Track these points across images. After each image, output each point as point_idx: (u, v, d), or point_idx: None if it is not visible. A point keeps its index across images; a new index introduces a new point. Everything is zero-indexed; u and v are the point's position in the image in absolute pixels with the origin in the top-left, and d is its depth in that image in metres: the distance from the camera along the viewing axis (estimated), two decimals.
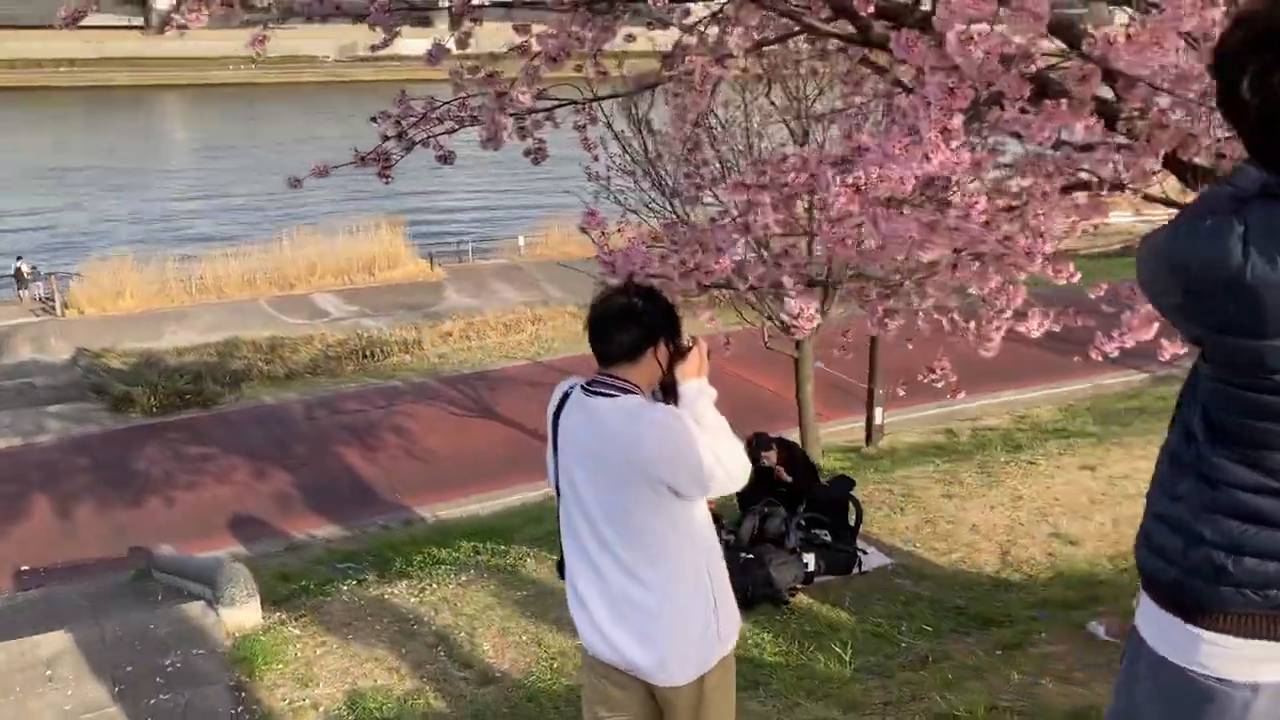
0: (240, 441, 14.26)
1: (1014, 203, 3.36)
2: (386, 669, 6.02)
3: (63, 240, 28.59)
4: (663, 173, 10.15)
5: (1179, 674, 1.73)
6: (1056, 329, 3.53)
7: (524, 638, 6.27)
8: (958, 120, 2.32)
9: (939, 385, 4.37)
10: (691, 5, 4.02)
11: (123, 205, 33.03)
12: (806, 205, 4.92)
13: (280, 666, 6.02)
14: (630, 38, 4.23)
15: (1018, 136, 3.41)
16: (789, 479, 7.21)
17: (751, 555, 6.69)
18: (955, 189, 3.63)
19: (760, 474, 6.91)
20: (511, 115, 3.75)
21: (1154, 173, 3.55)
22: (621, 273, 4.09)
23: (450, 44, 3.75)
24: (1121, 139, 3.11)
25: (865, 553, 7.19)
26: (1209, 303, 1.54)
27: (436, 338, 18.99)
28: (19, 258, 23.10)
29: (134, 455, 13.78)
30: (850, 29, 3.48)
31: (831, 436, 12.92)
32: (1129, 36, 2.62)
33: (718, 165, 9.16)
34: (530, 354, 18.00)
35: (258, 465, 13.42)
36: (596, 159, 8.79)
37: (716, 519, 4.28)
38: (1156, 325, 3.68)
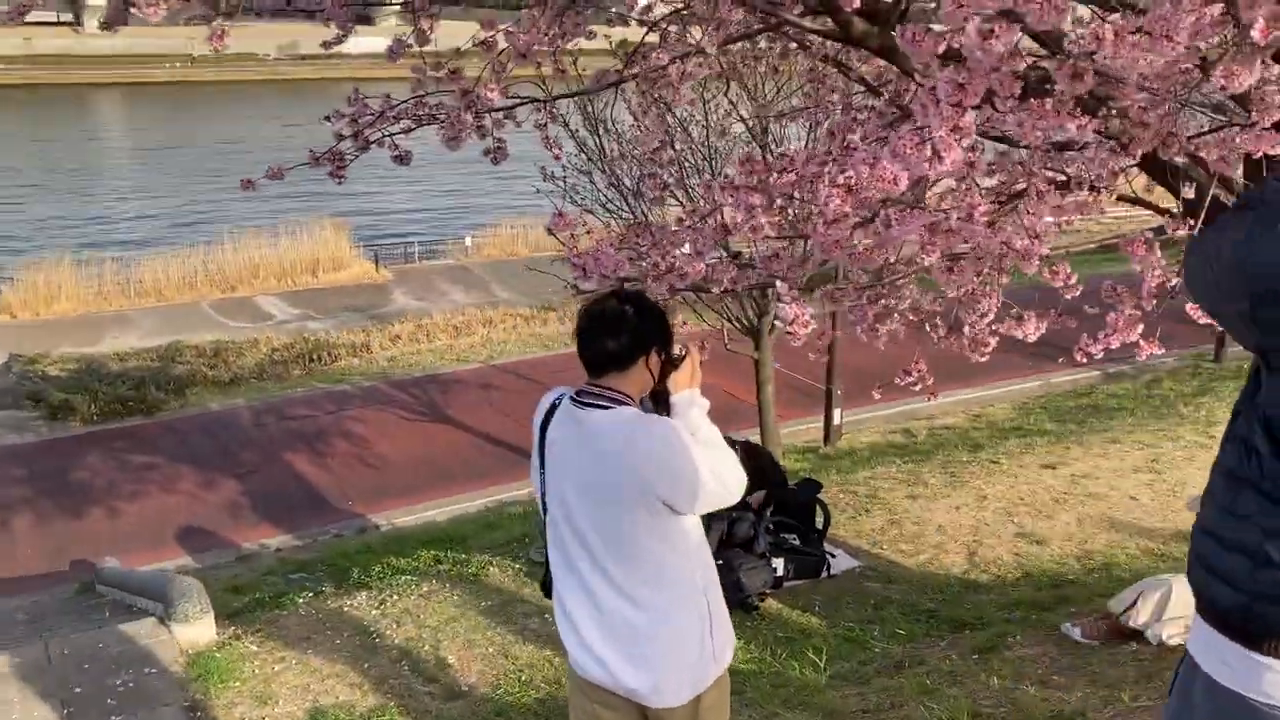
0: (186, 449, 13.90)
1: (1000, 202, 3.30)
2: (349, 685, 5.83)
3: None
4: (620, 173, 10.04)
5: (1239, 702, 1.64)
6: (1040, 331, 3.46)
7: (490, 650, 6.12)
8: (969, 118, 2.23)
9: (915, 388, 4.30)
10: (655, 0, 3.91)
11: (57, 206, 32.21)
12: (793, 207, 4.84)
13: (237, 685, 5.81)
14: (591, 34, 4.11)
15: (1000, 139, 3.36)
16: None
17: (720, 560, 6.58)
18: (932, 191, 3.57)
19: None
20: (474, 113, 3.62)
21: (1120, 172, 3.51)
22: (593, 275, 3.97)
23: (410, 41, 3.61)
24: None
25: (834, 556, 7.12)
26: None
27: (385, 340, 18.69)
28: None
29: (74, 465, 13.37)
30: (830, 25, 3.40)
31: (789, 437, 12.89)
32: (1117, 34, 2.55)
33: (680, 166, 9.05)
34: (482, 357, 17.78)
35: (205, 474, 13.08)
36: (559, 158, 8.70)
37: None
38: (1141, 326, 3.64)
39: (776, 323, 2.96)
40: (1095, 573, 6.72)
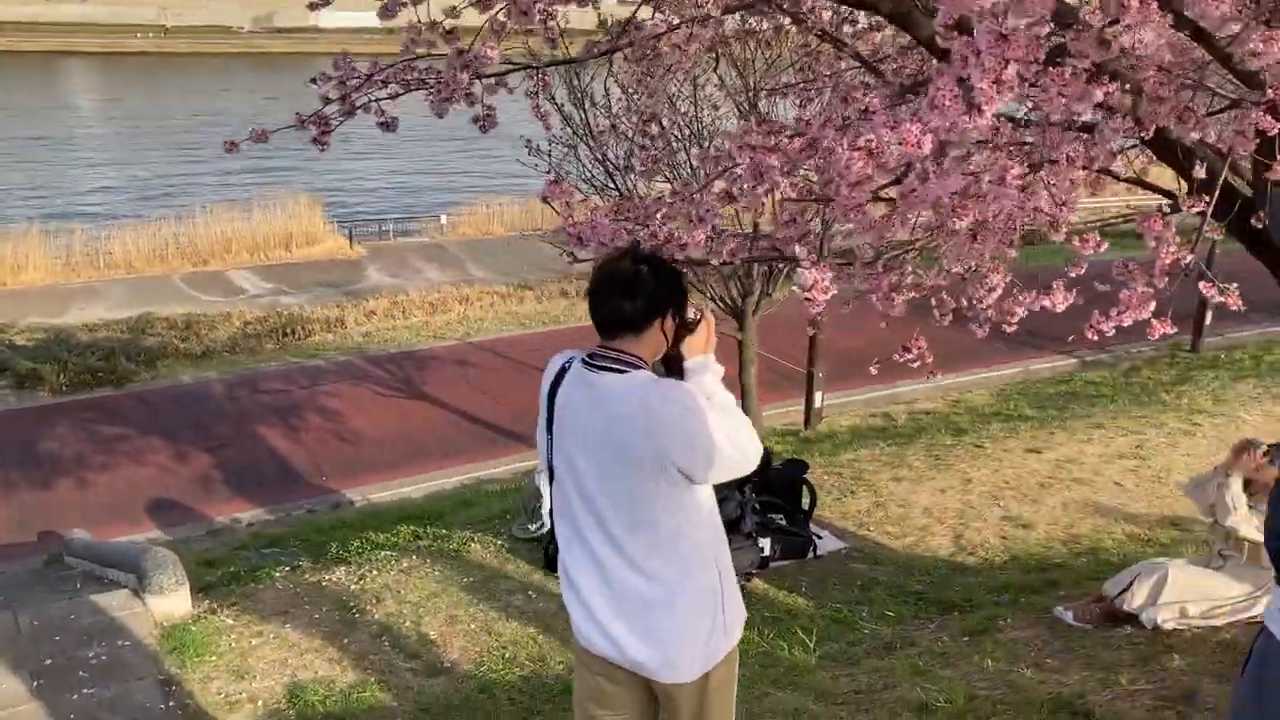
0: (157, 421, 13.64)
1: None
2: (327, 660, 5.72)
3: None
4: (606, 149, 9.89)
5: None
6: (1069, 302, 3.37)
7: (473, 626, 6.01)
8: (1011, 70, 2.13)
9: (915, 365, 4.22)
10: None
11: (24, 175, 31.67)
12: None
13: (213, 658, 5.69)
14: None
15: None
16: None
17: None
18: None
19: None
20: (470, 74, 3.49)
21: (1119, 152, 3.44)
22: (589, 243, 3.86)
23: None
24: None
25: (820, 537, 7.06)
26: None
27: (360, 316, 18.44)
28: None
29: (42, 435, 13.09)
30: None
31: (768, 420, 12.81)
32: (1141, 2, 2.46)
33: (668, 141, 8.92)
34: (459, 334, 17.58)
35: (176, 446, 12.84)
36: (549, 129, 8.56)
37: None
38: (1154, 304, 3.57)
39: (795, 289, 2.85)
40: (1083, 557, 6.69)
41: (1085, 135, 3.12)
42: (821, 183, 3.02)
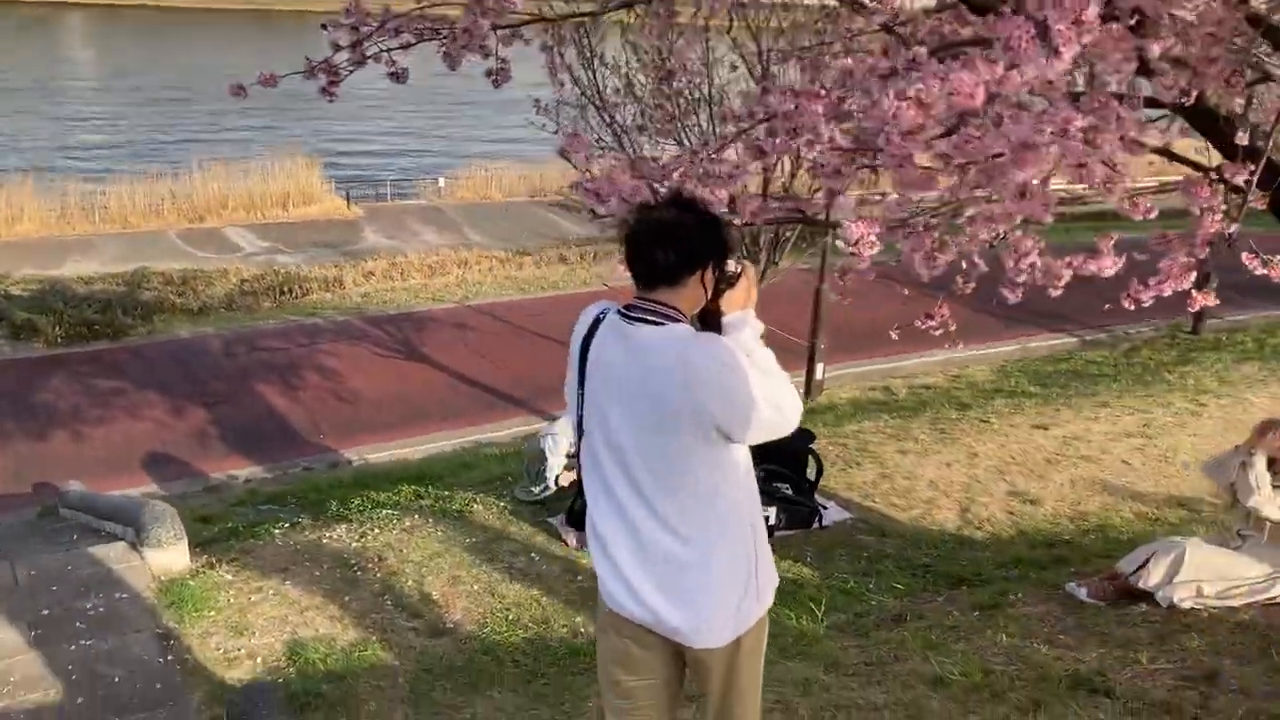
0: (154, 376, 13.51)
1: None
2: (328, 618, 5.65)
3: None
4: (614, 109, 9.74)
5: None
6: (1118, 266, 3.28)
7: (476, 587, 5.94)
8: (1093, 10, 2.03)
9: (937, 333, 4.13)
10: None
11: (19, 125, 31.35)
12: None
13: (212, 614, 5.61)
14: None
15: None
16: None
17: None
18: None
19: None
20: (491, 20, 3.37)
21: (1147, 123, 3.34)
22: (609, 199, 3.76)
23: None
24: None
25: (825, 508, 6.99)
26: None
27: (359, 276, 18.28)
28: None
29: (37, 387, 12.96)
30: None
31: None
32: None
33: (685, 99, 8.79)
34: (458, 297, 17.44)
35: (173, 401, 12.72)
36: (563, 85, 8.45)
37: None
38: (1194, 275, 3.48)
39: (838, 243, 2.75)
40: (1091, 534, 6.64)
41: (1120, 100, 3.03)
42: (872, 133, 2.91)
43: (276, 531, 6.75)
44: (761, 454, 6.82)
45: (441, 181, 25.82)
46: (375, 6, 3.36)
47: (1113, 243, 3.55)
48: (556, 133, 9.52)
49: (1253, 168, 3.16)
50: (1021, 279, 3.59)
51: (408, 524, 6.67)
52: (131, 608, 5.61)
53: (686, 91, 8.85)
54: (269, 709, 4.22)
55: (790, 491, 6.92)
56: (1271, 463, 4.68)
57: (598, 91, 9.91)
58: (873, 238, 2.66)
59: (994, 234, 3.57)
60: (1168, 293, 3.52)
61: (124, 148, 30.34)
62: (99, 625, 5.39)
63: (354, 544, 6.42)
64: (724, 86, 9.08)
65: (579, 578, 6.10)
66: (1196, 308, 3.59)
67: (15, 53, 41.63)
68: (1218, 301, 3.58)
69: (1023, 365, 14.28)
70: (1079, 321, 15.22)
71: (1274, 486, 4.63)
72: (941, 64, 2.75)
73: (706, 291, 2.54)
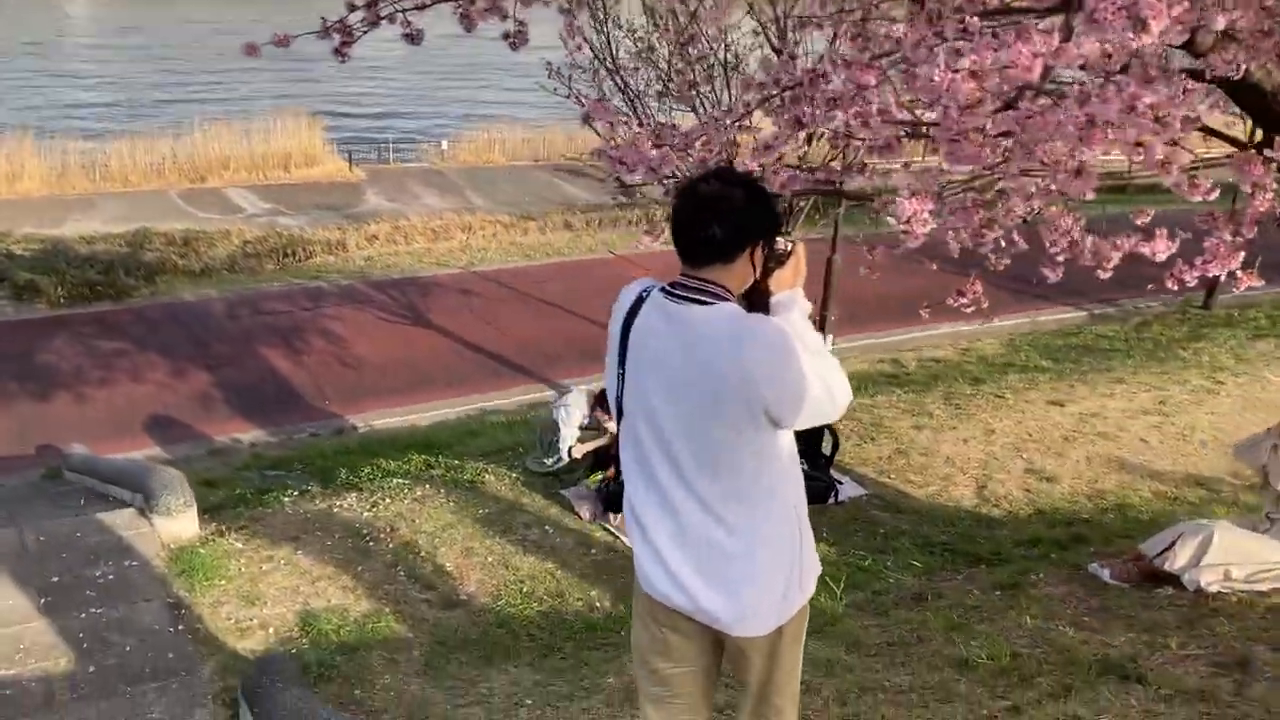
0: (156, 337, 13.39)
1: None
2: (340, 588, 5.59)
3: None
4: (628, 73, 9.56)
5: None
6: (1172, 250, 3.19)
7: (490, 559, 5.88)
8: None
9: (969, 310, 4.05)
10: None
11: (19, 82, 31.04)
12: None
13: (223, 583, 5.55)
14: None
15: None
16: None
17: None
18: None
19: None
20: None
21: (1189, 95, 3.23)
22: (636, 169, 3.66)
23: None
24: None
25: (841, 483, 6.93)
26: None
27: (362, 240, 18.12)
28: None
29: (40, 348, 12.85)
30: None
31: None
32: None
33: (706, 65, 8.62)
34: (462, 262, 17.28)
35: (176, 363, 12.61)
36: (579, 49, 8.25)
37: None
38: (1242, 255, 3.39)
39: (890, 220, 2.64)
40: (1109, 513, 6.57)
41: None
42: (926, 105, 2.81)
43: (286, 499, 6.68)
44: None
45: (445, 144, 25.60)
46: None
47: (1149, 219, 3.47)
48: (569, 97, 9.36)
49: None
50: (1061, 257, 3.50)
51: (419, 494, 6.60)
52: (141, 576, 5.55)
53: (709, 56, 8.67)
54: (285, 681, 4.16)
55: (806, 466, 6.83)
56: None
57: (612, 56, 9.73)
58: (925, 214, 2.56)
59: (1029, 210, 3.48)
60: (1214, 273, 3.43)
61: (125, 105, 30.09)
62: (109, 593, 5.33)
63: (365, 513, 6.35)
64: (743, 53, 8.91)
65: (593, 551, 6.04)
66: (1242, 288, 3.50)
67: (10, 7, 41.19)
68: (1263, 282, 3.48)
69: (1032, 339, 14.17)
70: (1086, 295, 15.09)
71: None
72: (995, 36, 2.65)
73: (755, 269, 2.44)
